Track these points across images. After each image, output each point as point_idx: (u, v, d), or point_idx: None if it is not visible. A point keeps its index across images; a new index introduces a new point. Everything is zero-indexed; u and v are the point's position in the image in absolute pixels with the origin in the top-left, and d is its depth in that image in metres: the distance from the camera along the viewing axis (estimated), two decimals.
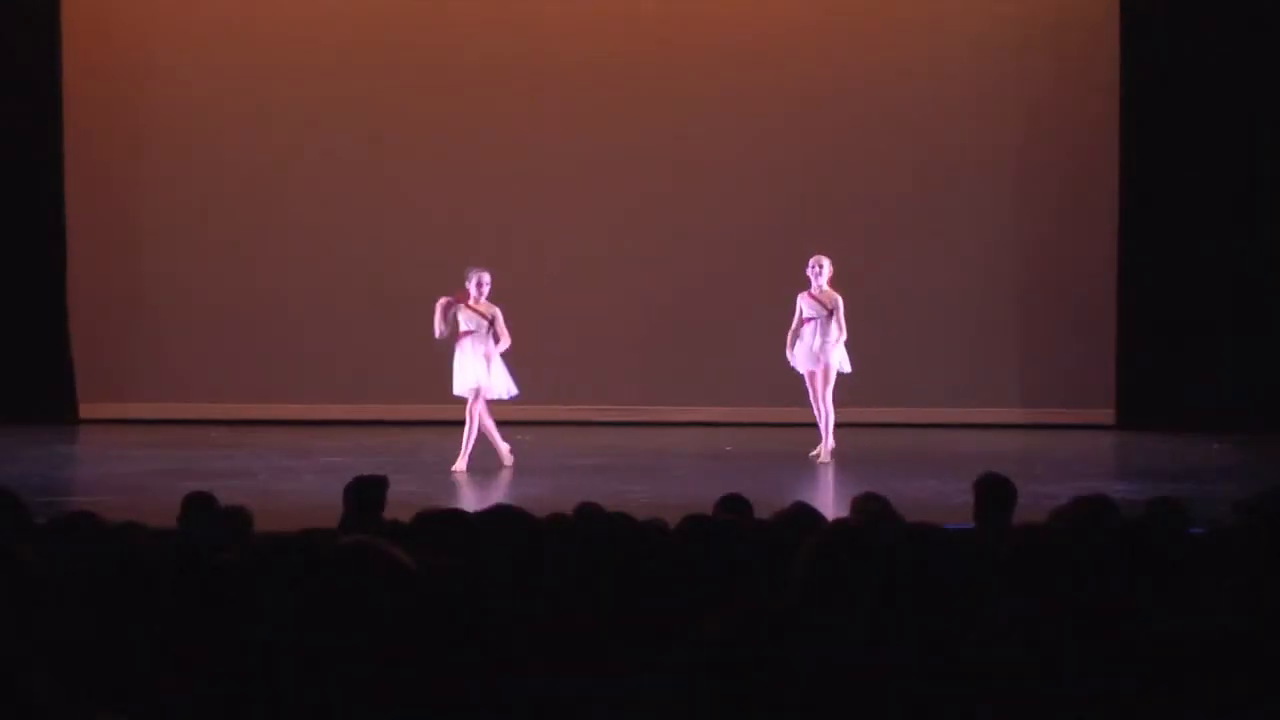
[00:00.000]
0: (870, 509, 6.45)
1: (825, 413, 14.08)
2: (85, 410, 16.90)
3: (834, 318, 14.13)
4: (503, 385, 13.50)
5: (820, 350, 14.12)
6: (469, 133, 17.04)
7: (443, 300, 13.54)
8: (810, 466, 13.82)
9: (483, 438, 13.46)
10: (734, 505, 6.91)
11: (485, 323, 13.46)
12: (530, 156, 17.03)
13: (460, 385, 13.50)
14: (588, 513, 5.74)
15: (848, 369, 14.26)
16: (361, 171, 17.04)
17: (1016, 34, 16.96)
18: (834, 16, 17.08)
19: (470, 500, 11.94)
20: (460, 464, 13.28)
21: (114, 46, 17.14)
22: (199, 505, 6.91)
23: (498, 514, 5.19)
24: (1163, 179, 16.55)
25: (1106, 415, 16.75)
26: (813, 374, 14.19)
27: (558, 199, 17.03)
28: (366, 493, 7.26)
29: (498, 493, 12.03)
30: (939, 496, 11.39)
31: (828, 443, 14.07)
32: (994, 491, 7.48)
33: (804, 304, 14.29)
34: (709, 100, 16.99)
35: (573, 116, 17.04)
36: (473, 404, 13.39)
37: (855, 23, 17.06)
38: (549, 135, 17.04)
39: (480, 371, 13.38)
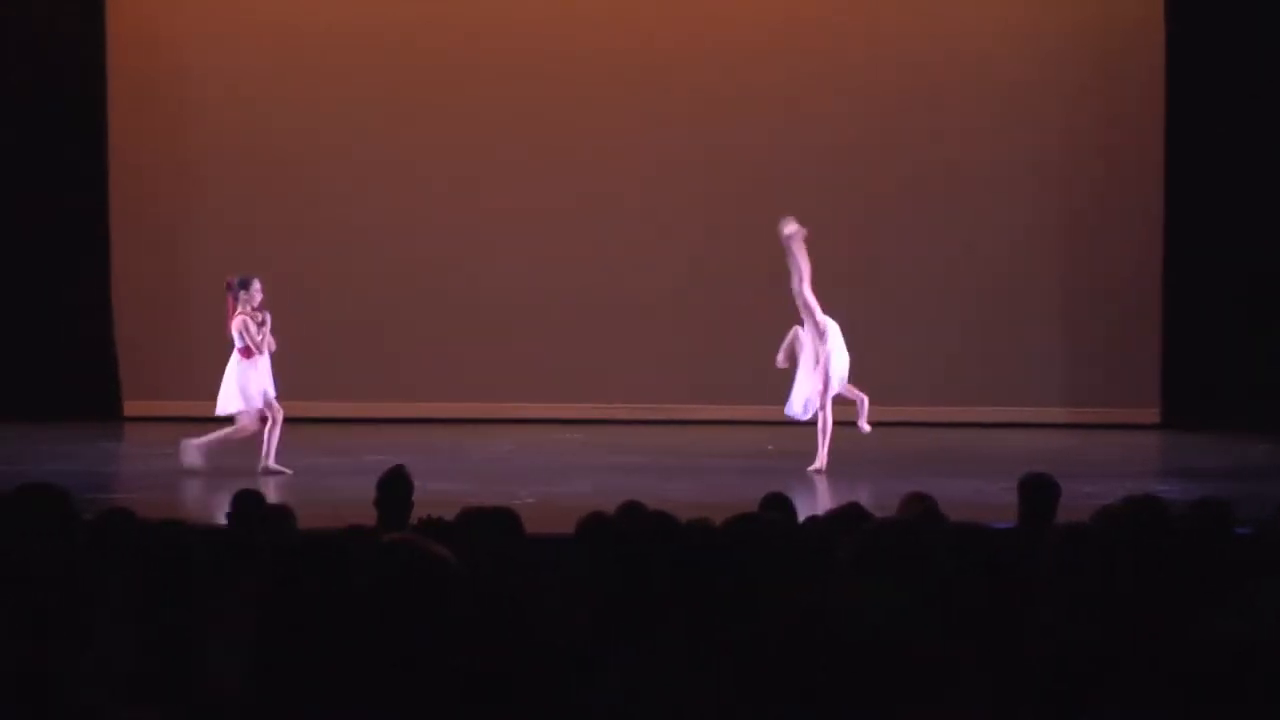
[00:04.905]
0: (917, 508, 6.43)
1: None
2: (129, 408, 16.98)
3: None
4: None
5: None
6: (508, 131, 17.04)
7: (263, 318, 13.26)
8: (853, 466, 13.69)
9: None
10: (777, 504, 6.89)
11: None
12: (568, 155, 17.03)
13: (247, 401, 13.10)
14: (631, 511, 5.72)
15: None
16: (402, 171, 17.07)
17: (1060, 27, 16.89)
18: (872, 7, 17.03)
19: (512, 500, 11.93)
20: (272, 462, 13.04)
21: (158, 48, 17.21)
22: (249, 502, 6.94)
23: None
24: (1208, 175, 16.45)
25: (1151, 414, 16.67)
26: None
27: (603, 198, 17.02)
28: (393, 485, 7.52)
29: (538, 492, 12.01)
30: (983, 496, 11.36)
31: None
32: (1039, 491, 7.46)
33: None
34: (743, 95, 16.95)
35: (610, 115, 17.04)
36: (276, 413, 13.08)
37: (896, 14, 17.00)
38: (588, 134, 17.03)
39: (268, 384, 13.17)
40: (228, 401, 13.22)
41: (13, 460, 13.42)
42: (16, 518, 4.95)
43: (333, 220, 17.10)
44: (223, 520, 7.15)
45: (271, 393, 13.20)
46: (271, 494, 9.40)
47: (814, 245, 16.52)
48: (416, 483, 7.74)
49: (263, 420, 13.16)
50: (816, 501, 11.76)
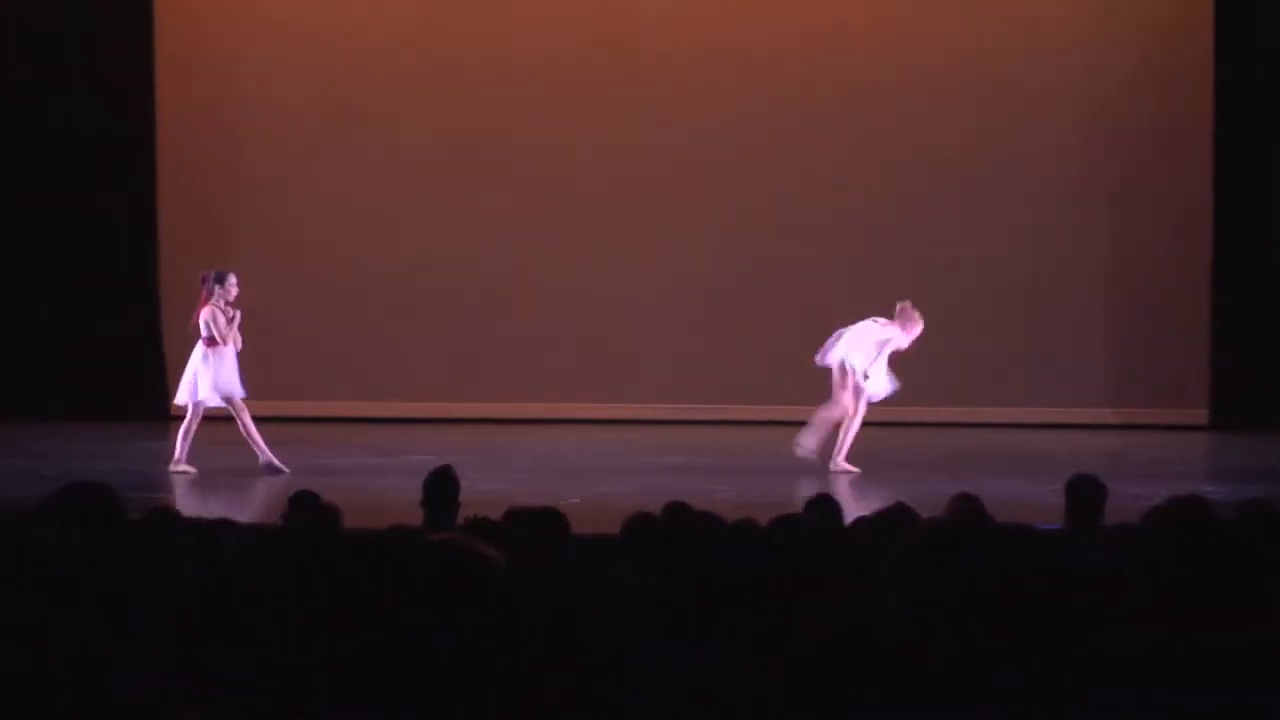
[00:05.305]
0: (963, 509, 6.41)
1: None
2: (177, 407, 17.04)
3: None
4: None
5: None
6: (552, 135, 17.05)
7: (234, 314, 13.18)
8: (897, 467, 13.66)
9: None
10: (823, 505, 6.87)
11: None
12: (611, 160, 17.03)
13: (192, 394, 13.13)
14: (677, 512, 5.72)
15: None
16: (450, 171, 17.10)
17: (1105, 21, 16.79)
18: (909, 2, 17.00)
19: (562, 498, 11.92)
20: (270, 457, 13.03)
21: (206, 47, 17.29)
22: (304, 503, 6.96)
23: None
24: (1258, 170, 16.35)
25: (1199, 415, 16.58)
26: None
27: (648, 203, 17.01)
28: (441, 484, 7.54)
29: (586, 491, 12.01)
30: (1030, 497, 11.31)
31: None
32: (1086, 493, 7.44)
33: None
34: (782, 94, 16.91)
35: (656, 118, 17.03)
36: (238, 411, 13.07)
37: (935, 9, 16.94)
38: (631, 139, 17.03)
39: (234, 380, 13.15)
40: (183, 392, 13.23)
41: (61, 459, 13.50)
42: (64, 516, 4.98)
43: (378, 221, 17.13)
44: (265, 520, 7.16)
45: (237, 390, 13.12)
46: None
47: (856, 245, 16.55)
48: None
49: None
50: (860, 502, 11.72)
